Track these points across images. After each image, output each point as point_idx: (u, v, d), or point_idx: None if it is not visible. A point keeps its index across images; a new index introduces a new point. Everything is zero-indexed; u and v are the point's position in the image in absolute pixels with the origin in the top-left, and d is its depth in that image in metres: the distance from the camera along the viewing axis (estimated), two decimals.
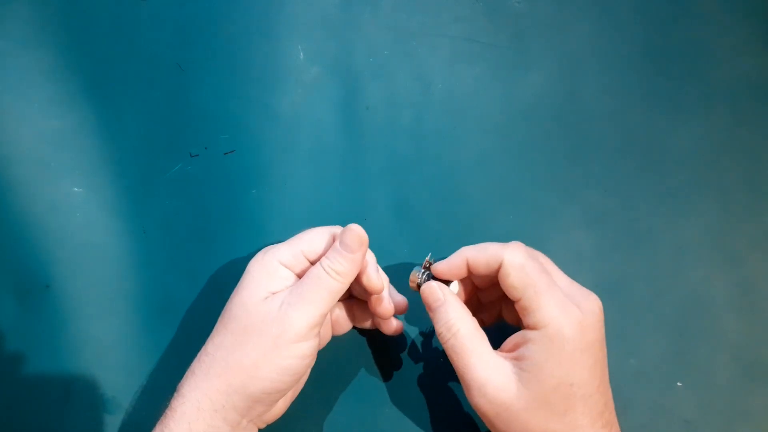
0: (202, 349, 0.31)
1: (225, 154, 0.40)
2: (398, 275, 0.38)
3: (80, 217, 0.39)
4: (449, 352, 0.30)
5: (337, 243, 0.31)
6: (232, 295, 0.32)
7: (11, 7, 0.43)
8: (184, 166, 0.40)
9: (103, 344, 0.37)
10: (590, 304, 0.30)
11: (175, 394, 0.31)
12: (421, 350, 0.37)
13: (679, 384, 0.36)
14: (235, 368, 0.30)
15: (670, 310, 0.37)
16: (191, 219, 0.39)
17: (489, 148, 0.41)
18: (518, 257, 0.30)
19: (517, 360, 0.29)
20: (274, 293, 0.31)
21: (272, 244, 0.37)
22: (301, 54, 0.42)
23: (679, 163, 0.40)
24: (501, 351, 0.30)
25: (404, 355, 0.37)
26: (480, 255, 0.31)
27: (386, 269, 0.37)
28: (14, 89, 0.41)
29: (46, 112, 0.41)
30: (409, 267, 0.38)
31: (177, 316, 0.37)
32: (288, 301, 0.30)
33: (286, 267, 0.32)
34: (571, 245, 0.38)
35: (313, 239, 0.33)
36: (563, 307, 0.29)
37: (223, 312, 0.32)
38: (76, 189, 0.40)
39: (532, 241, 0.38)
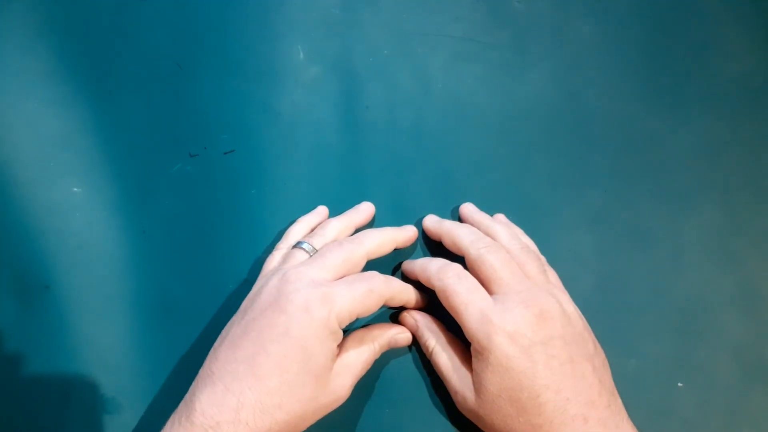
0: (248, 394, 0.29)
1: (225, 153, 0.40)
2: (398, 275, 0.38)
3: (80, 217, 0.39)
4: (433, 366, 0.34)
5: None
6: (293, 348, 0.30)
7: (11, 7, 0.43)
8: (184, 165, 0.40)
9: (103, 344, 0.37)
10: (527, 309, 0.30)
11: None
12: (421, 350, 0.37)
13: (679, 384, 0.36)
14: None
15: (670, 310, 0.37)
16: (191, 219, 0.39)
17: (489, 148, 0.41)
18: (437, 282, 0.33)
19: (471, 371, 0.31)
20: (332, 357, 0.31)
21: (272, 244, 0.38)
22: (301, 54, 0.42)
23: (680, 163, 0.40)
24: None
25: (405, 354, 0.37)
26: (420, 276, 0.34)
27: (386, 270, 0.37)
28: (14, 89, 0.41)
29: (46, 112, 0.41)
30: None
31: (177, 316, 0.37)
32: (337, 372, 0.31)
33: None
34: (571, 245, 0.38)
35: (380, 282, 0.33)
36: (480, 323, 0.30)
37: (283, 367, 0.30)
38: (75, 189, 0.40)
39: (532, 240, 0.38)
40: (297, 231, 0.37)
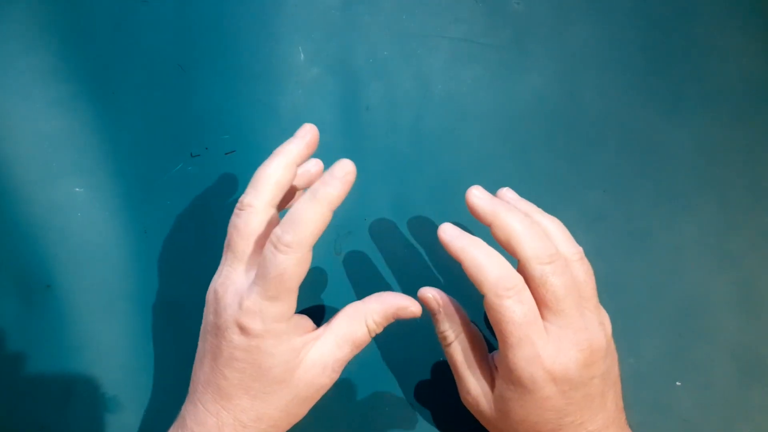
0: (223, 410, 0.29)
1: (226, 154, 0.41)
2: (398, 275, 0.38)
3: (81, 216, 0.39)
4: (446, 356, 0.32)
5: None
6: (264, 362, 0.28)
7: (12, 8, 0.43)
8: (185, 166, 0.40)
9: (104, 344, 0.37)
10: (580, 352, 0.28)
11: None
12: (422, 348, 0.37)
13: (678, 383, 0.36)
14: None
15: (669, 309, 0.37)
16: (192, 219, 0.39)
17: (489, 149, 0.41)
18: (493, 297, 0.28)
19: (492, 384, 0.30)
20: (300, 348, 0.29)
21: None
22: (302, 54, 0.43)
23: (678, 164, 0.40)
24: (491, 360, 0.31)
25: (405, 353, 0.37)
26: (471, 272, 0.29)
27: (385, 269, 0.38)
28: (16, 90, 0.42)
29: (48, 112, 0.41)
30: (408, 267, 0.38)
31: (178, 316, 0.37)
32: (314, 362, 0.29)
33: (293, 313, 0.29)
34: None
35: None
36: (529, 362, 0.28)
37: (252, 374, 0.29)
38: (77, 189, 0.40)
39: None
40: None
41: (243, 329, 0.28)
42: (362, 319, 0.30)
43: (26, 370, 0.36)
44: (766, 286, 0.38)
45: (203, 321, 0.31)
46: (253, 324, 0.28)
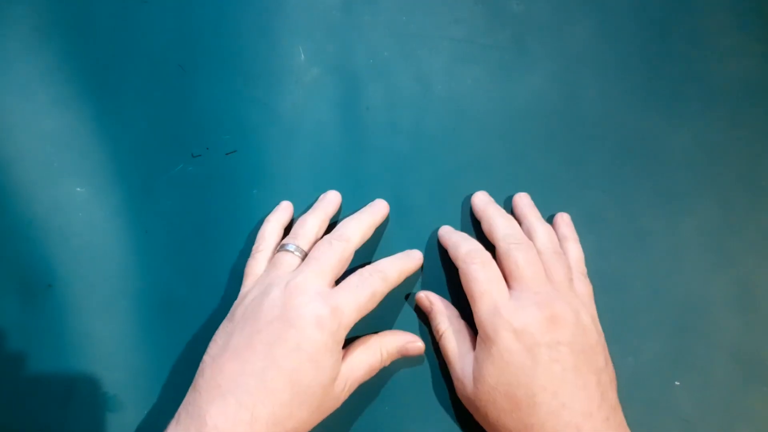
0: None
1: (226, 154, 0.41)
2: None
3: (82, 216, 0.39)
4: (441, 348, 0.35)
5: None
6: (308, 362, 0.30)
7: (12, 8, 0.43)
8: (186, 166, 0.40)
9: (105, 343, 0.37)
10: (539, 310, 0.30)
11: None
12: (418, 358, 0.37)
13: (677, 383, 0.36)
14: None
15: (668, 309, 0.37)
16: (193, 218, 0.39)
17: (488, 149, 0.41)
18: (462, 264, 0.34)
19: (472, 358, 0.32)
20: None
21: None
22: (302, 55, 0.43)
23: (678, 164, 0.40)
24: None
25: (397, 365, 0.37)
26: (450, 253, 0.35)
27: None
28: (17, 90, 0.42)
29: (49, 112, 0.41)
30: None
31: (179, 315, 0.37)
32: (340, 377, 0.32)
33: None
34: None
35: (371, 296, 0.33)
36: (491, 314, 0.31)
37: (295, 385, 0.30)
38: (78, 189, 0.40)
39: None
40: (271, 231, 0.37)
41: (322, 324, 0.30)
42: (378, 348, 0.34)
43: (26, 370, 0.36)
44: (766, 286, 0.38)
45: (246, 312, 0.32)
46: (332, 323, 0.30)
